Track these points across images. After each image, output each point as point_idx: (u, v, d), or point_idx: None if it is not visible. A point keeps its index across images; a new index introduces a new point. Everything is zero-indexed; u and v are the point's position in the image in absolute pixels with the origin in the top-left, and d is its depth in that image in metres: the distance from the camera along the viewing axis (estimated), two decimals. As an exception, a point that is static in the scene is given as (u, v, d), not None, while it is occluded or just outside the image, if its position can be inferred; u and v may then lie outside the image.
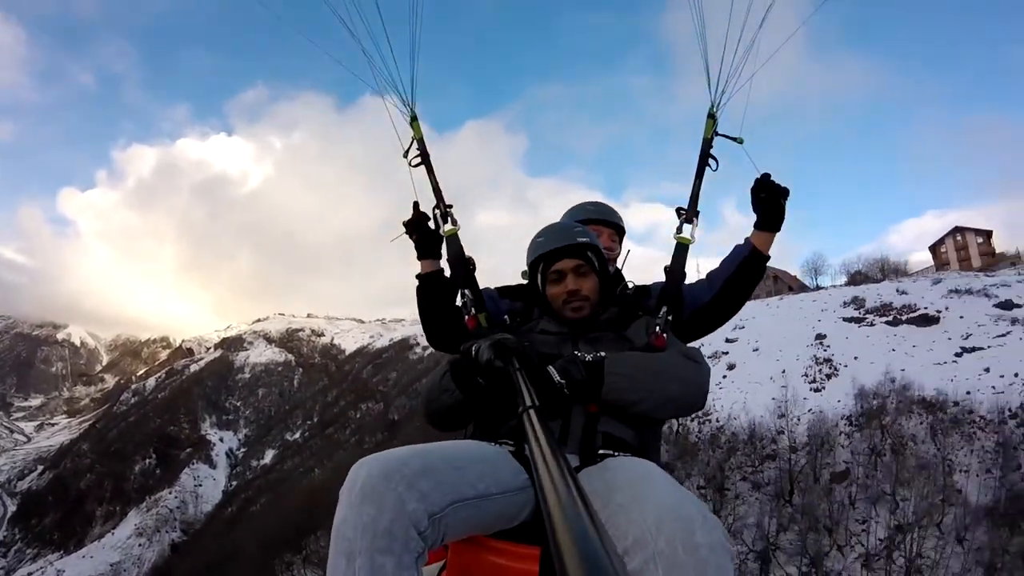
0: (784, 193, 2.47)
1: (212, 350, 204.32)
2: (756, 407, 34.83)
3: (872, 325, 42.06)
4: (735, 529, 26.21)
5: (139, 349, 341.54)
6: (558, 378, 1.93)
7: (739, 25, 2.47)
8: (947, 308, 40.54)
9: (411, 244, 2.69)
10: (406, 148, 2.78)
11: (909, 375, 33.20)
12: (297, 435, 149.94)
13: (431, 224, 2.67)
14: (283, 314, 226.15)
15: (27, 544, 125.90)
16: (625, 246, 3.04)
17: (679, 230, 2.57)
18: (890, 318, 42.09)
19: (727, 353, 43.47)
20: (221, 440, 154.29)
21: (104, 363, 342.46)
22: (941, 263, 69.12)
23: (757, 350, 43.21)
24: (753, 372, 39.65)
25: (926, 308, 41.33)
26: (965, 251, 68.41)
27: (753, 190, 2.51)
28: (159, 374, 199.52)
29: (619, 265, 2.92)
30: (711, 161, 2.63)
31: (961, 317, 39.07)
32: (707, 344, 42.57)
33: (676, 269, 2.51)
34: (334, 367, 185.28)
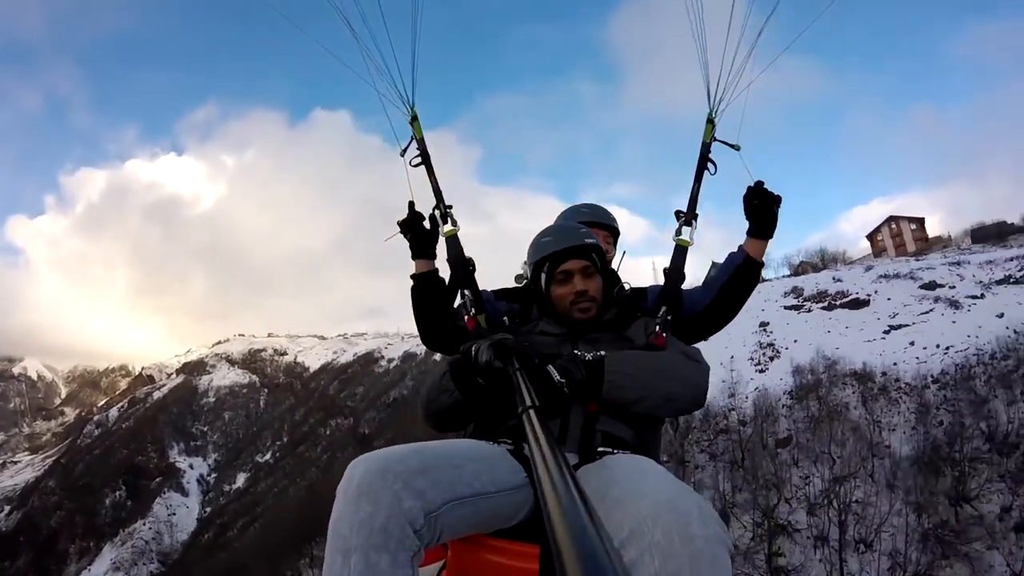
0: (776, 201, 2.52)
1: (174, 376, 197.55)
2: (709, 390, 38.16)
3: (809, 311, 45.30)
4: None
5: (98, 379, 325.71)
6: (558, 377, 1.94)
7: (738, 32, 2.47)
8: (876, 292, 44.14)
9: (412, 247, 2.71)
10: (403, 147, 2.79)
11: (841, 352, 36.47)
12: (268, 456, 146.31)
13: (426, 224, 2.70)
14: (243, 335, 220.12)
15: None
16: (620, 247, 3.11)
17: (678, 232, 2.60)
18: (825, 304, 45.42)
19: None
20: (191, 467, 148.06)
21: (63, 396, 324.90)
22: (879, 250, 73.79)
23: (707, 340, 46.55)
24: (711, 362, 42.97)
25: (857, 293, 44.75)
26: (900, 238, 72.86)
27: (746, 197, 2.56)
28: (121, 404, 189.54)
29: (614, 267, 2.95)
30: (710, 165, 2.65)
31: (888, 299, 42.69)
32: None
33: (675, 270, 2.54)
34: (299, 385, 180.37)
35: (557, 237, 2.32)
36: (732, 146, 2.64)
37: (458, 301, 2.61)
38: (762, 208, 2.51)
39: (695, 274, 2.75)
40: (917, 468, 26.99)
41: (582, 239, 2.29)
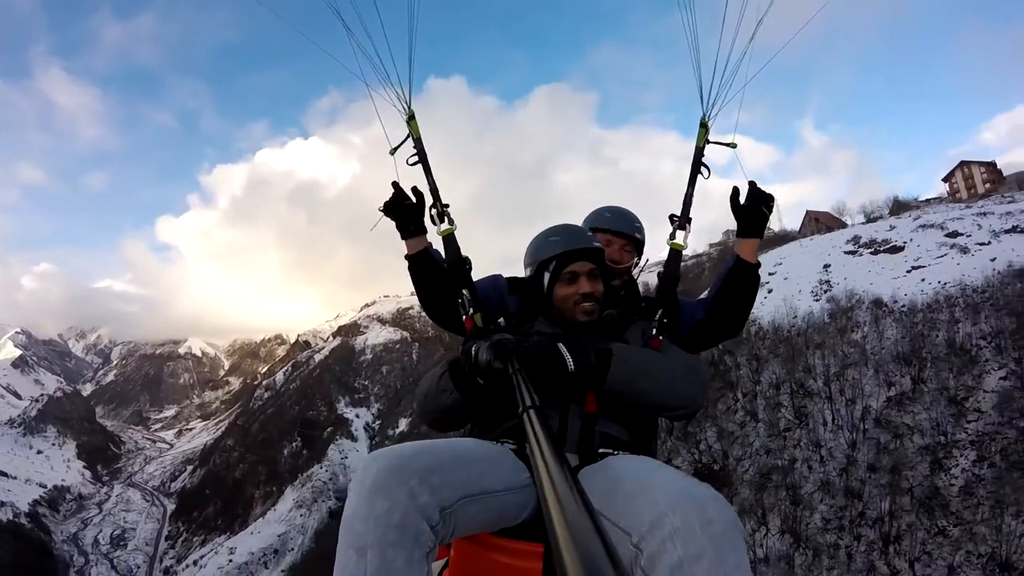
0: (767, 200, 2.53)
1: (331, 339, 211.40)
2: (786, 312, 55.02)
3: (860, 255, 59.65)
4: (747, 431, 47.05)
5: (256, 350, 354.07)
6: (570, 359, 1.96)
7: (731, 35, 2.48)
8: (912, 239, 57.57)
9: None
10: (395, 145, 2.77)
11: (873, 287, 52.32)
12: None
13: (412, 199, 2.65)
14: (388, 296, 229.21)
15: (192, 533, 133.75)
16: (645, 254, 3.01)
17: (672, 236, 2.59)
18: (872, 250, 59.77)
19: (769, 282, 63.29)
20: (357, 416, 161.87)
21: (226, 367, 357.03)
22: (953, 191, 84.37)
23: (787, 278, 62.54)
24: (778, 291, 59.33)
25: (896, 241, 58.75)
26: (971, 180, 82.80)
27: (733, 196, 2.57)
28: (284, 368, 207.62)
29: (635, 274, 2.96)
30: (703, 169, 2.65)
31: (918, 245, 56.22)
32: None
33: (669, 274, 2.50)
34: (448, 337, 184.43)
35: (566, 238, 2.34)
36: (727, 144, 2.66)
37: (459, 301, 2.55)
38: (752, 208, 2.54)
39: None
40: (902, 361, 43.65)
41: (591, 242, 2.33)
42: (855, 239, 64.22)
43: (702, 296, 2.73)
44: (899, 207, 78.44)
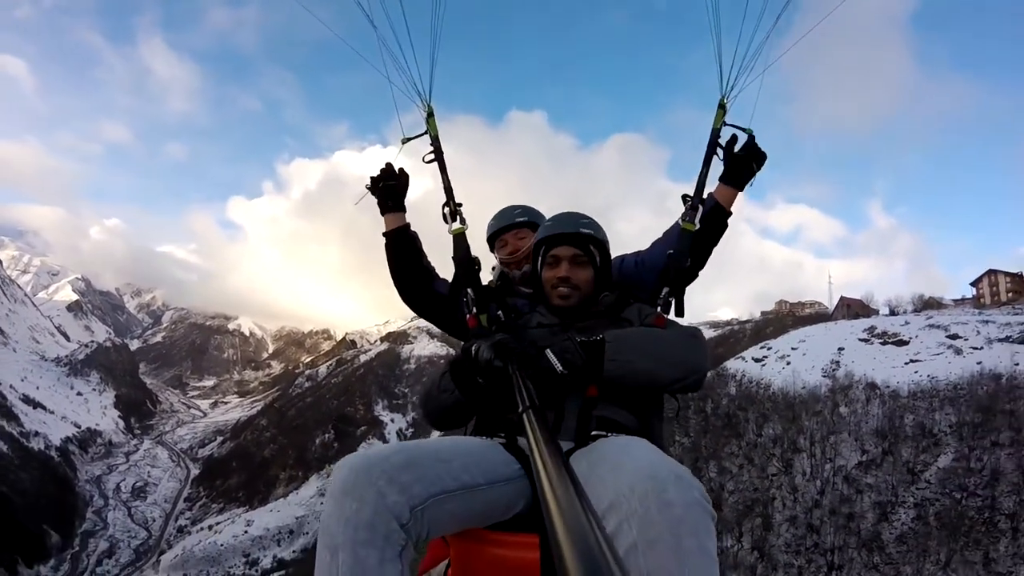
0: (760, 158, 2.54)
1: (379, 343, 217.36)
2: (797, 382, 64.62)
3: (871, 344, 68.80)
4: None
5: (302, 340, 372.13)
6: (558, 365, 1.94)
7: (754, 19, 2.44)
8: (917, 336, 66.08)
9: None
10: (408, 136, 2.83)
11: (874, 373, 61.47)
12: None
13: (396, 173, 2.74)
14: None
15: (212, 500, 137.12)
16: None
17: (684, 217, 2.54)
18: (883, 340, 68.83)
19: (790, 356, 72.96)
20: (392, 421, 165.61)
21: (270, 351, 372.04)
22: (979, 296, 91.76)
23: (805, 354, 72.01)
24: (795, 363, 68.89)
25: (903, 335, 67.95)
26: (996, 288, 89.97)
27: (728, 143, 2.57)
28: (328, 363, 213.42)
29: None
30: (718, 151, 2.61)
31: (922, 342, 64.61)
32: (782, 341, 73.37)
33: (679, 254, 2.48)
34: None
35: (555, 223, 2.34)
36: (744, 129, 2.60)
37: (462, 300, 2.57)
38: (744, 159, 2.53)
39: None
40: (871, 431, 53.15)
41: (577, 227, 2.30)
42: (871, 329, 73.17)
43: (657, 239, 2.70)
44: (925, 304, 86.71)
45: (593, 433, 1.95)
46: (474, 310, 2.52)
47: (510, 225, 2.90)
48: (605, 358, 1.96)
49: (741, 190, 2.59)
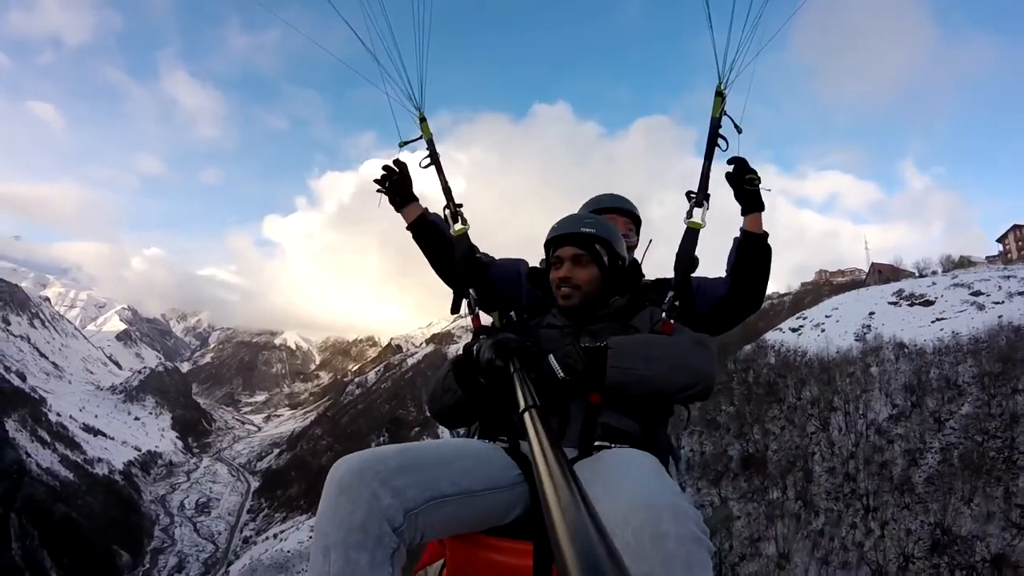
0: (749, 180, 2.47)
1: (425, 344, 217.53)
2: (831, 348, 69.80)
3: (899, 306, 72.95)
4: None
5: (348, 348, 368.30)
6: (560, 371, 1.93)
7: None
8: (942, 295, 69.73)
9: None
10: (405, 140, 2.81)
11: (903, 333, 66.26)
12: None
13: (396, 177, 2.75)
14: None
15: (274, 510, 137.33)
16: (645, 237, 3.00)
17: (689, 214, 2.48)
18: (910, 302, 72.91)
19: (824, 323, 78.06)
20: None
21: (318, 362, 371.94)
22: (1007, 252, 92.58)
23: (838, 321, 76.76)
24: (829, 330, 73.92)
25: (929, 296, 72.01)
26: (1022, 243, 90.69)
27: (726, 176, 2.52)
28: (376, 368, 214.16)
29: (637, 256, 2.90)
30: (720, 142, 2.53)
31: (947, 301, 68.52)
32: (817, 311, 78.38)
33: (685, 255, 2.42)
34: None
35: (560, 224, 2.33)
36: (736, 127, 2.51)
37: (465, 301, 2.56)
38: (737, 189, 2.50)
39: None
40: (900, 386, 58.51)
41: (578, 227, 2.28)
42: (899, 292, 77.26)
43: (721, 276, 2.59)
44: (956, 265, 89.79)
45: (596, 444, 1.92)
46: (476, 310, 2.50)
47: (600, 210, 2.92)
48: (607, 365, 1.93)
49: (761, 210, 2.52)
